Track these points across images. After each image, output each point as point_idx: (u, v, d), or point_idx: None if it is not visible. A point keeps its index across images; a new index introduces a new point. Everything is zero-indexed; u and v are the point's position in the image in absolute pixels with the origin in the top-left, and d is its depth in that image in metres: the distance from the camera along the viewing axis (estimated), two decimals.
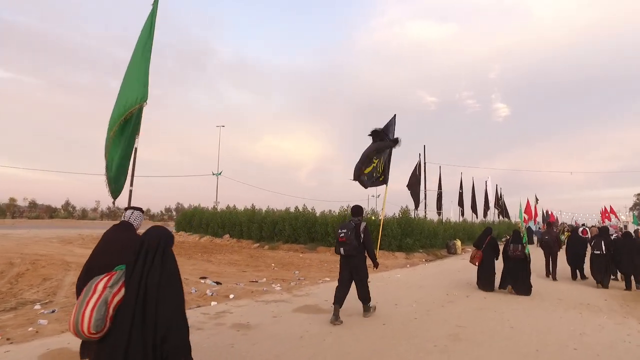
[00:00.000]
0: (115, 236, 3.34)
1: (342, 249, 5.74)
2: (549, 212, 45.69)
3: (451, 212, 28.52)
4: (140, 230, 3.27)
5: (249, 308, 6.59)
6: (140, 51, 5.06)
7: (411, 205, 20.52)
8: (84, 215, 68.08)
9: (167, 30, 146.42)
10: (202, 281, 9.80)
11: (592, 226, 16.24)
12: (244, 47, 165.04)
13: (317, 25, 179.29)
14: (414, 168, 21.01)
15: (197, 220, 26.62)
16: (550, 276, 10.98)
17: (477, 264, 8.87)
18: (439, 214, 24.24)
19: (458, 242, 19.81)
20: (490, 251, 8.74)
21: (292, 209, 21.81)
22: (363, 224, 5.89)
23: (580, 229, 14.42)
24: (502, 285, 8.43)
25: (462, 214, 27.05)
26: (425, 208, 23.15)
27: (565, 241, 11.83)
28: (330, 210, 20.02)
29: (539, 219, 45.83)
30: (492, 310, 6.61)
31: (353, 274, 5.87)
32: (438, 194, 24.37)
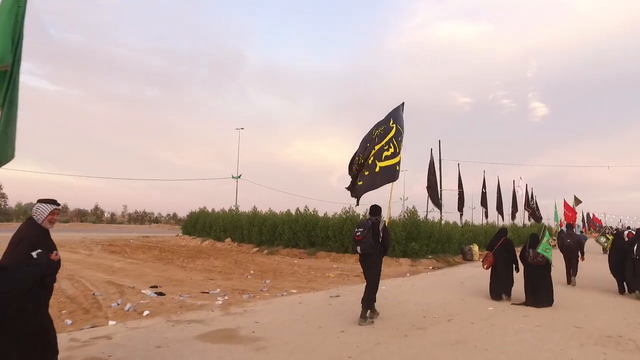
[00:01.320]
0: (16, 232, 3.20)
1: (358, 247, 5.63)
2: (592, 215, 41.42)
3: (482, 214, 25.84)
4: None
5: (144, 331, 5.03)
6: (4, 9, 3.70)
7: (420, 207, 18.33)
8: (112, 219, 69.84)
9: (199, 39, 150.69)
10: (144, 291, 8.39)
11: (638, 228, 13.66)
12: (275, 53, 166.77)
13: (347, 29, 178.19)
14: (429, 167, 18.84)
15: (200, 223, 25.63)
16: (571, 282, 9.88)
17: (486, 267, 7.83)
18: (460, 215, 21.81)
19: (475, 247, 17.44)
20: (503, 254, 7.63)
21: (322, 215, 19.31)
22: (382, 223, 5.77)
23: (626, 232, 11.54)
24: (527, 300, 7.21)
25: (486, 216, 24.39)
26: (440, 209, 20.82)
27: (608, 247, 10.12)
28: (335, 213, 18.23)
29: (579, 222, 41.77)
30: (472, 346, 4.66)
31: (365, 273, 5.77)
32: (459, 194, 21.96)
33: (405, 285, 9.78)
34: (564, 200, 34.99)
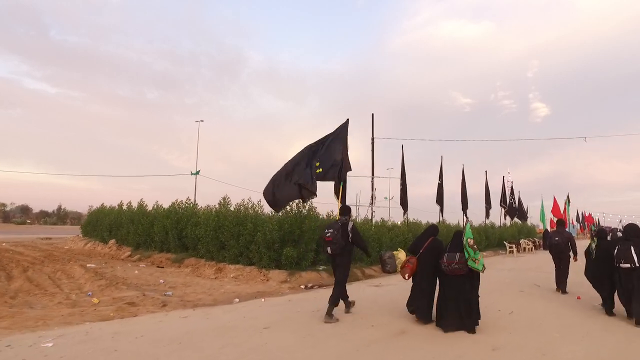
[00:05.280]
0: None
1: (328, 248, 5.73)
2: (585, 214, 36.33)
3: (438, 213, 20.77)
4: None
5: None
6: None
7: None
8: (80, 219, 65.70)
9: (202, 40, 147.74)
10: None
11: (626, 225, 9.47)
12: (277, 54, 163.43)
13: (349, 29, 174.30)
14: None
15: (93, 223, 21.06)
16: (560, 290, 8.62)
17: (407, 276, 5.78)
18: (405, 212, 16.90)
19: (401, 254, 12.44)
20: (429, 260, 5.64)
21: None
22: (350, 224, 5.88)
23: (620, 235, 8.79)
24: (439, 322, 5.34)
25: (442, 213, 19.44)
26: (372, 202, 16.00)
27: (594, 252, 6.97)
28: (213, 206, 13.37)
29: (575, 221, 36.85)
30: None
31: (335, 272, 5.90)
32: (402, 186, 17.10)
33: (173, 324, 4.98)
34: (554, 198, 30.17)
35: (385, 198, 44.10)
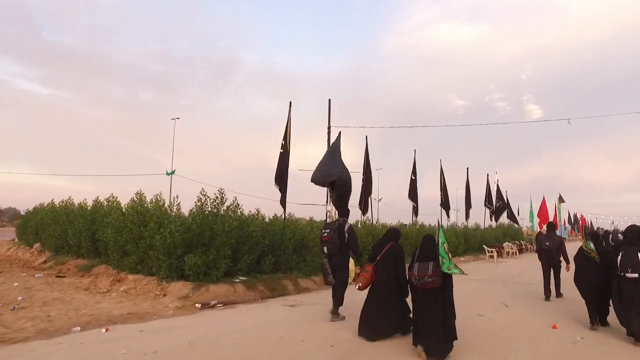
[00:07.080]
0: None
1: (325, 248, 5.88)
2: (578, 216, 34.49)
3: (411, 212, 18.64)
4: None
5: None
6: None
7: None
8: None
9: (198, 42, 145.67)
10: None
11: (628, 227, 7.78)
12: (273, 55, 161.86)
13: (345, 30, 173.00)
14: (284, 133, 11.78)
15: (24, 224, 18.82)
16: (554, 293, 8.18)
17: (360, 287, 5.12)
18: (363, 212, 14.80)
19: (350, 264, 10.39)
20: (387, 269, 5.02)
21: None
22: (347, 225, 5.99)
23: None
24: (416, 340, 4.47)
25: (416, 213, 17.32)
26: (327, 201, 13.88)
27: (596, 257, 5.86)
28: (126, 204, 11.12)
29: (566, 223, 34.86)
30: None
31: (333, 273, 5.89)
32: (364, 182, 15.01)
33: None
34: (543, 198, 28.26)
35: (379, 200, 41.92)
